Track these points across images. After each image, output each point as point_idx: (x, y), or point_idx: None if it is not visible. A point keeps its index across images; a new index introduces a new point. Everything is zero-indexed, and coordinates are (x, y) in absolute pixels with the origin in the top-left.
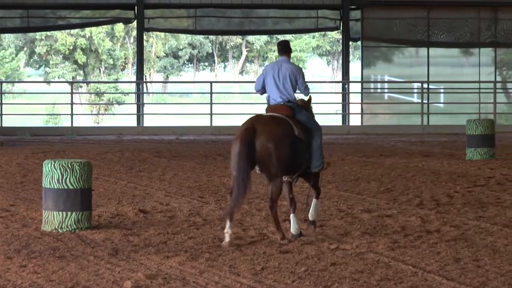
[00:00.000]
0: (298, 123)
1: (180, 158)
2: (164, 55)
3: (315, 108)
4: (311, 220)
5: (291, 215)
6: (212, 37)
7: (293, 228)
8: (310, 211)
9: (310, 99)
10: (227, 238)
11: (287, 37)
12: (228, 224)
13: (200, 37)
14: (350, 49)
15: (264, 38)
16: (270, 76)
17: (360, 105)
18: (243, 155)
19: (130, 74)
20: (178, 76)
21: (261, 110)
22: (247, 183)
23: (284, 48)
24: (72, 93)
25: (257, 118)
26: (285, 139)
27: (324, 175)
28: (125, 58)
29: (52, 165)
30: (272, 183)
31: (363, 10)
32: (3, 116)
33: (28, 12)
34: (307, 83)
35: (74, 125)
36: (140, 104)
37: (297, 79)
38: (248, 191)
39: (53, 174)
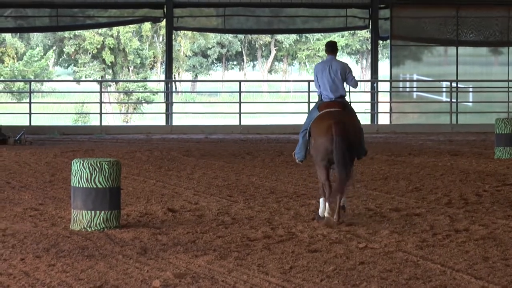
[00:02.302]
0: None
1: (208, 157)
2: (193, 54)
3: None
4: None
5: (321, 199)
6: (241, 36)
7: (321, 209)
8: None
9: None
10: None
11: (316, 36)
12: (327, 206)
13: (229, 36)
14: (379, 48)
15: (293, 37)
16: (322, 74)
17: (389, 104)
18: (342, 144)
19: (159, 73)
20: (207, 75)
21: (289, 108)
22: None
23: (330, 48)
24: (101, 92)
25: (336, 112)
26: (361, 133)
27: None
28: (154, 57)
29: (81, 164)
30: (350, 169)
31: (392, 9)
32: (32, 115)
33: (57, 11)
34: (355, 77)
35: (103, 124)
36: (169, 103)
37: (347, 74)
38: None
39: (82, 173)
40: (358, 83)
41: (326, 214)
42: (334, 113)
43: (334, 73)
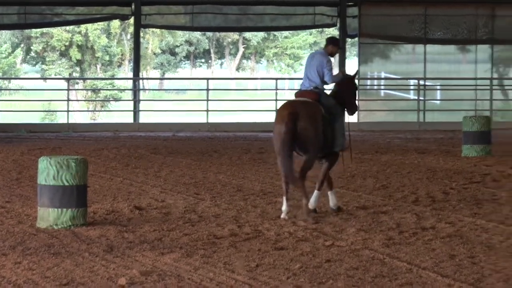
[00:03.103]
0: (324, 106)
1: (176, 155)
2: (161, 51)
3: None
4: (338, 206)
5: (329, 192)
6: (209, 33)
7: (331, 202)
8: (331, 200)
9: (356, 72)
10: (283, 215)
11: (284, 33)
12: (284, 201)
13: (197, 34)
14: (347, 46)
15: (261, 34)
16: (306, 65)
17: (356, 102)
18: (289, 136)
19: (126, 70)
20: (175, 72)
21: (257, 106)
22: (292, 162)
23: (325, 42)
24: (68, 89)
25: (295, 103)
26: (319, 121)
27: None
28: (122, 55)
29: (48, 162)
30: (309, 161)
31: (360, 7)
32: None
33: (25, 8)
34: (331, 72)
35: (70, 121)
36: (136, 101)
37: (323, 68)
38: (293, 166)
39: (49, 171)
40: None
41: (284, 209)
42: (294, 103)
43: (314, 65)
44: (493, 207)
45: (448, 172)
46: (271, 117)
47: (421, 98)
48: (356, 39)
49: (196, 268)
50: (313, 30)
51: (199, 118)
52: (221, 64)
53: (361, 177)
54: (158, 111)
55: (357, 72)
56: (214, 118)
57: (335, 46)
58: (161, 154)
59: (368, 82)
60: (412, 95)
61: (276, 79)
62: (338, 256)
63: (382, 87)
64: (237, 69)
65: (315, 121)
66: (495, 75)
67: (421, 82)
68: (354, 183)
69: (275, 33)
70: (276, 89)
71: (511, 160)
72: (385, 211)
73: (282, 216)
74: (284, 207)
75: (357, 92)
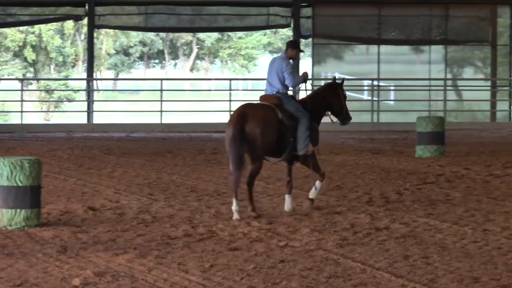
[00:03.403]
0: (285, 111)
1: (130, 156)
2: (115, 52)
3: None
4: (310, 197)
5: (286, 195)
6: (162, 34)
7: (287, 206)
8: (312, 190)
9: (342, 81)
10: (235, 215)
11: (238, 34)
12: (234, 202)
13: (150, 34)
14: (300, 47)
15: (215, 35)
16: (267, 71)
17: None
18: (237, 137)
19: (80, 71)
20: (129, 73)
21: (211, 107)
22: (242, 163)
23: (286, 46)
24: (22, 90)
25: (248, 105)
26: (270, 124)
27: (274, 172)
28: (76, 56)
29: (2, 163)
30: (255, 163)
31: (314, 7)
32: None
33: None
34: (292, 76)
35: (24, 122)
36: (90, 101)
37: (282, 72)
38: (243, 169)
39: (2, 172)
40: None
41: (233, 208)
42: (246, 106)
43: (274, 70)
44: (447, 207)
45: (402, 173)
46: (225, 118)
47: (375, 98)
48: (310, 39)
49: (150, 268)
50: (267, 31)
51: (153, 119)
52: (175, 64)
53: (314, 178)
54: (112, 111)
55: (343, 80)
56: (168, 119)
57: (294, 49)
58: (115, 155)
59: (322, 82)
60: (366, 96)
61: (230, 79)
62: (292, 256)
63: None
64: (191, 69)
65: (265, 124)
66: (449, 76)
67: (375, 83)
68: (308, 183)
69: (229, 33)
70: (230, 89)
71: (465, 161)
72: (339, 211)
73: (235, 217)
74: (234, 207)
75: (344, 101)
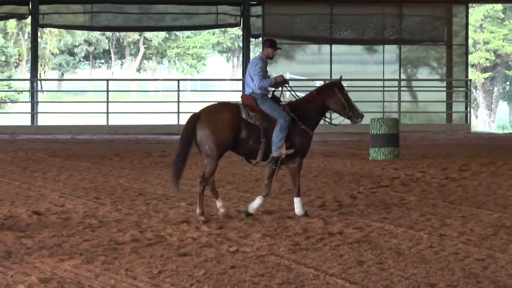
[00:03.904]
0: (258, 111)
1: (75, 158)
2: (59, 52)
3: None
4: (298, 215)
5: (259, 196)
6: (108, 33)
7: (252, 205)
8: (296, 209)
9: (339, 79)
10: (221, 210)
11: (186, 33)
12: (217, 202)
13: (96, 34)
14: (250, 46)
15: (162, 34)
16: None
17: None
18: (184, 138)
19: (24, 71)
20: (74, 73)
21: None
22: (181, 162)
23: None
24: None
25: (207, 107)
26: (225, 125)
27: (224, 175)
28: (19, 55)
29: None
30: (208, 163)
31: (264, 6)
32: None
33: None
34: (260, 77)
35: None
36: (34, 103)
37: (253, 73)
38: (182, 169)
39: None
40: (230, 82)
41: (219, 205)
42: (207, 107)
43: (249, 71)
44: (402, 211)
45: (356, 176)
46: (173, 119)
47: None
48: (260, 39)
49: (96, 275)
50: (216, 30)
51: (99, 120)
52: (122, 64)
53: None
54: (57, 113)
55: (340, 78)
56: (115, 120)
57: (269, 48)
58: (60, 158)
59: None
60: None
61: (178, 80)
62: (243, 262)
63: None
64: (138, 70)
65: (217, 125)
66: (403, 76)
67: None
68: (259, 187)
69: (177, 33)
70: (178, 90)
71: (420, 164)
72: (291, 216)
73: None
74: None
75: (347, 98)
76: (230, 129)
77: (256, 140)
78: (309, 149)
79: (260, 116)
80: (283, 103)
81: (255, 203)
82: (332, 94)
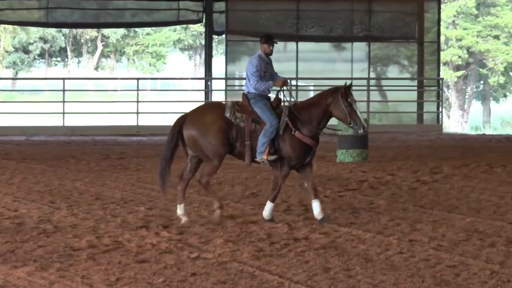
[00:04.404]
0: (251, 112)
1: (30, 161)
2: (13, 49)
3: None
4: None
5: (312, 201)
6: (65, 30)
7: (315, 212)
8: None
9: (347, 86)
10: (183, 219)
11: (146, 30)
12: (178, 206)
13: (52, 30)
14: (213, 44)
15: (121, 31)
16: None
17: None
18: (169, 139)
19: None
20: (28, 72)
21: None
22: (167, 163)
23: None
24: None
25: (197, 107)
26: (209, 125)
27: None
28: None
29: None
30: (206, 163)
31: (227, 2)
32: None
33: None
34: (254, 78)
35: None
36: None
37: (248, 73)
38: (168, 172)
39: None
40: (192, 81)
41: (179, 213)
42: (197, 107)
43: (246, 70)
44: (370, 216)
45: (322, 179)
46: (132, 120)
47: (293, 99)
48: (223, 36)
49: (51, 282)
50: (177, 27)
51: (55, 121)
52: (79, 63)
53: (229, 184)
54: (11, 113)
55: (349, 86)
56: (71, 121)
57: (264, 44)
58: (14, 160)
59: (236, 82)
60: (282, 96)
61: (138, 79)
62: (205, 269)
63: None
64: (96, 68)
65: (200, 126)
66: (372, 75)
67: (293, 82)
68: (221, 190)
69: (136, 29)
70: (138, 89)
71: (390, 166)
72: (255, 220)
73: (183, 221)
74: (179, 211)
75: (351, 107)
76: (218, 131)
77: (242, 142)
78: (303, 157)
79: (247, 117)
80: (284, 104)
81: (316, 208)
82: (334, 100)
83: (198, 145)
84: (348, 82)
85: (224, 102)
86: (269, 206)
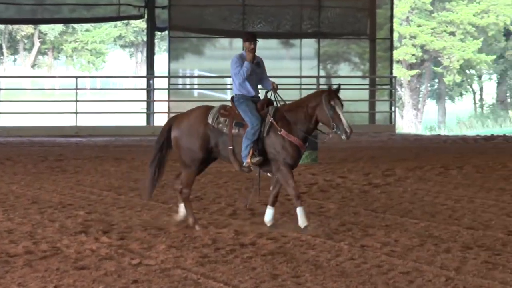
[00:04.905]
0: (237, 115)
1: None
2: None
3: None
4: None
5: (297, 208)
6: (0, 26)
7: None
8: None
9: (334, 89)
10: (178, 217)
11: (85, 26)
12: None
13: None
14: (155, 40)
15: (59, 27)
16: None
17: (166, 103)
18: (158, 140)
19: None
20: None
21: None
22: (159, 169)
23: None
24: None
25: (190, 109)
26: (192, 129)
27: (126, 182)
28: None
29: None
30: (183, 169)
31: None
32: None
33: None
34: (236, 79)
35: None
36: None
37: (232, 73)
38: (159, 177)
39: None
40: (133, 79)
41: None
42: (191, 108)
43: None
44: (320, 220)
45: (270, 182)
46: (71, 120)
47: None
48: (166, 32)
49: None
50: (118, 23)
51: None
52: (14, 60)
53: (171, 187)
54: None
55: (337, 89)
56: (7, 121)
57: (245, 42)
58: None
59: (180, 80)
60: (228, 95)
61: (76, 77)
62: (146, 276)
63: (196, 86)
64: (33, 66)
65: (183, 130)
66: (322, 73)
67: None
68: (164, 194)
69: (75, 25)
70: (76, 88)
71: (340, 168)
72: (199, 225)
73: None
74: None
75: (336, 110)
76: (200, 135)
77: (224, 147)
78: (297, 157)
79: (231, 121)
80: (272, 106)
81: (301, 216)
82: (318, 103)
83: (178, 148)
84: (296, 80)
85: (204, 106)
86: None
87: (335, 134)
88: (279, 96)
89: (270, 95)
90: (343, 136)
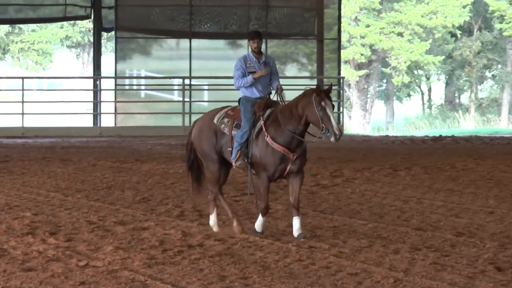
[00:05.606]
0: (238, 117)
1: None
2: None
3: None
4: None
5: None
6: None
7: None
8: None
9: (325, 89)
10: (214, 228)
11: (31, 26)
12: (211, 217)
13: None
14: (102, 41)
15: (5, 28)
16: None
17: (113, 103)
18: (186, 146)
19: None
20: None
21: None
22: (192, 168)
23: None
24: None
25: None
26: (202, 132)
27: (73, 183)
28: None
29: None
30: (205, 170)
31: None
32: None
33: None
34: (237, 77)
35: None
36: None
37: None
38: (199, 174)
39: None
40: (80, 80)
41: (211, 224)
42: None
43: None
44: (268, 222)
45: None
46: (17, 121)
47: (186, 99)
48: (113, 33)
49: None
50: (64, 23)
51: None
52: None
53: (119, 188)
54: None
55: (328, 88)
56: None
57: (249, 41)
58: None
59: (127, 81)
60: (176, 96)
61: (23, 78)
62: (94, 278)
63: (143, 87)
64: None
65: (196, 133)
66: None
67: (186, 82)
68: (111, 195)
69: (21, 26)
70: (23, 89)
71: None
72: (146, 226)
73: (215, 229)
74: (211, 221)
75: (326, 111)
76: (209, 137)
77: (226, 148)
78: (280, 166)
79: (231, 122)
80: (272, 108)
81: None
82: (308, 103)
83: (196, 149)
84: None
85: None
86: (259, 220)
87: (324, 135)
88: (284, 97)
89: (274, 96)
90: (332, 139)
